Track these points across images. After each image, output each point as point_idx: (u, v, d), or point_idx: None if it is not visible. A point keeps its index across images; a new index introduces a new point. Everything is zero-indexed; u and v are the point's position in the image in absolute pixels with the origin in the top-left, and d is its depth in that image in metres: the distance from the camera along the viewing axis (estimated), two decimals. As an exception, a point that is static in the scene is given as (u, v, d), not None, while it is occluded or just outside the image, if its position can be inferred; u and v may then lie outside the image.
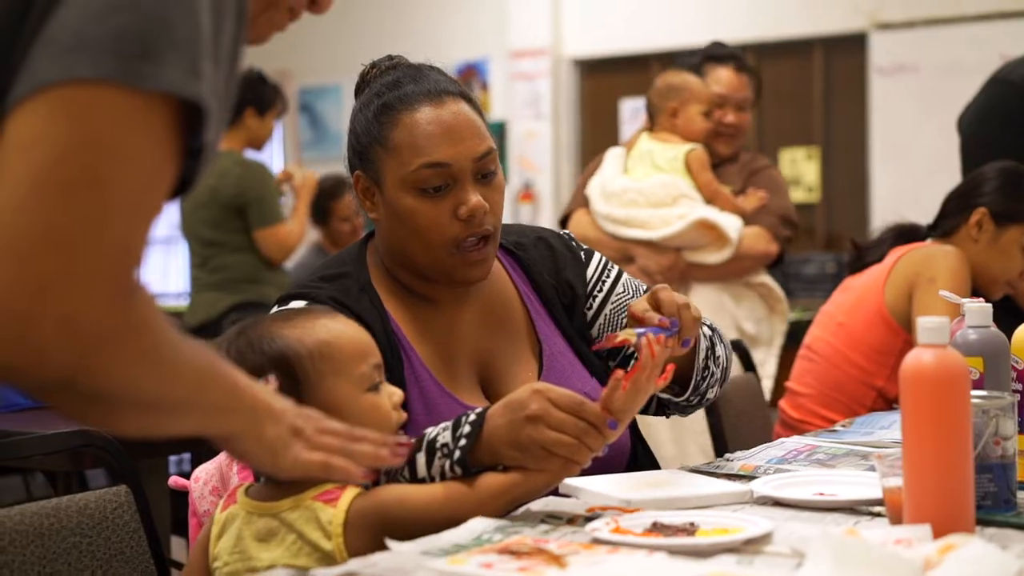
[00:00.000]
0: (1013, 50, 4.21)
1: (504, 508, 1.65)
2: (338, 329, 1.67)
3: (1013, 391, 1.86)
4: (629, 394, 1.67)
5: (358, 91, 2.03)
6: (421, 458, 1.69)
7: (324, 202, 6.00)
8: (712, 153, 4.02)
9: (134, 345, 1.12)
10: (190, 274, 5.37)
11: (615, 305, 2.12)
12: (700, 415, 3.18)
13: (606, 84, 8.49)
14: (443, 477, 1.68)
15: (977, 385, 1.80)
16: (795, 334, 3.94)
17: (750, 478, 1.92)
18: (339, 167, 6.70)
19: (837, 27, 7.61)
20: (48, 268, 1.05)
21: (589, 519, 1.63)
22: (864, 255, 3.30)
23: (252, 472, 1.81)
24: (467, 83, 8.96)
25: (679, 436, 3.77)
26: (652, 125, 4.05)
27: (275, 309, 1.90)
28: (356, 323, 1.73)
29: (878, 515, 1.66)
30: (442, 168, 1.90)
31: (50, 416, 2.69)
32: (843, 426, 2.49)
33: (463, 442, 1.67)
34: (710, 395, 2.09)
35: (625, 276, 2.17)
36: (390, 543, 1.49)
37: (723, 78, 4.09)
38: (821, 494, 1.77)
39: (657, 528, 1.55)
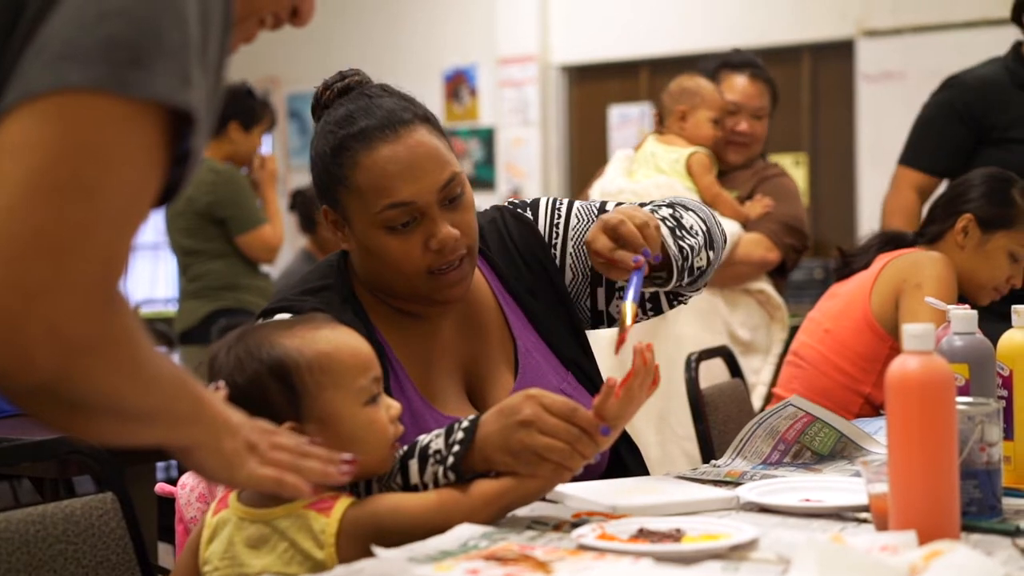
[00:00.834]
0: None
1: (496, 515, 1.65)
2: (339, 340, 1.66)
3: (998, 397, 1.87)
4: (622, 401, 1.66)
5: (314, 112, 2.00)
6: (414, 465, 1.68)
7: (311, 210, 6.00)
8: (722, 160, 4.00)
9: (116, 353, 1.12)
10: (177, 282, 5.40)
11: (575, 240, 2.11)
12: (687, 420, 3.18)
13: (594, 90, 8.50)
14: (436, 484, 1.67)
15: (963, 391, 1.81)
16: (789, 342, 3.93)
17: (736, 484, 1.92)
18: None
19: (825, 34, 7.64)
20: (37, 272, 1.05)
21: (575, 525, 1.63)
22: (851, 262, 3.31)
23: None
24: (455, 90, 8.98)
25: (664, 440, 3.77)
26: (661, 127, 4.03)
27: (260, 321, 1.88)
28: (357, 334, 1.71)
29: (864, 521, 1.67)
30: (407, 206, 1.88)
31: (36, 423, 2.68)
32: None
33: (456, 448, 1.66)
34: (700, 262, 2.04)
35: (576, 205, 2.15)
36: (376, 549, 1.49)
37: (738, 86, 4.05)
38: (807, 500, 1.77)
39: (643, 534, 1.56)
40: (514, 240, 2.11)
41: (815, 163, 7.81)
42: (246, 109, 5.11)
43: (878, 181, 7.37)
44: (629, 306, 1.84)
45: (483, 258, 2.09)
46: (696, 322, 3.81)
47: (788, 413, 2.08)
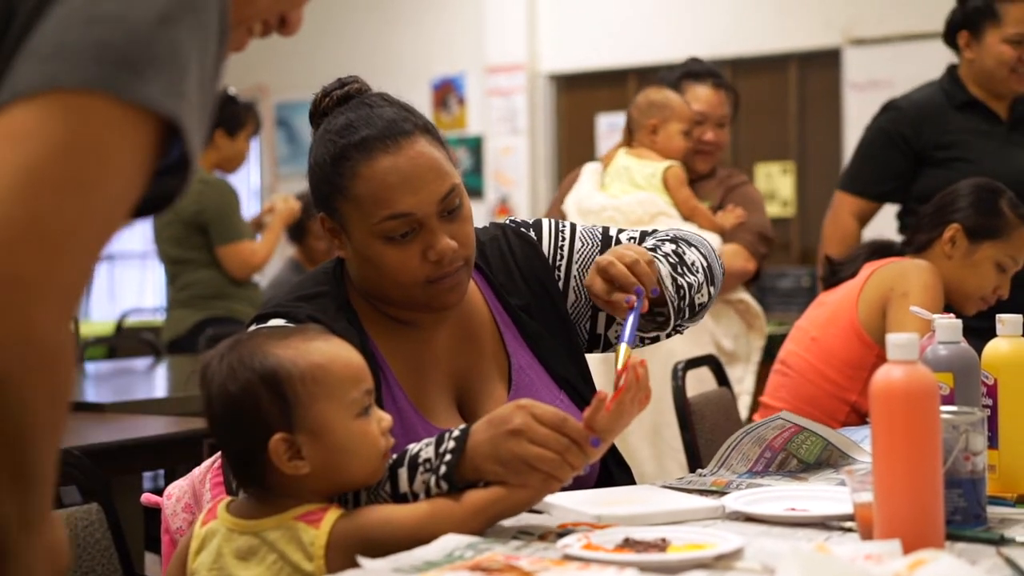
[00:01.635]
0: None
1: (485, 525, 1.65)
2: (332, 352, 1.65)
3: (983, 406, 1.87)
4: (613, 415, 1.66)
5: (312, 119, 2.00)
6: (403, 473, 1.68)
7: (300, 220, 6.00)
8: (690, 170, 4.02)
9: (65, 370, 1.10)
10: (166, 291, 5.40)
11: (580, 263, 2.12)
12: (677, 431, 3.18)
13: (582, 99, 8.52)
14: (427, 493, 1.67)
15: (947, 401, 1.81)
16: (770, 348, 3.95)
17: (722, 493, 1.92)
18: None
19: (811, 43, 7.66)
20: (28, 263, 1.03)
21: (561, 535, 1.63)
22: (838, 270, 3.32)
23: (227, 488, 1.81)
24: (444, 98, 8.98)
25: (659, 454, 3.78)
26: (631, 140, 4.05)
27: (253, 327, 1.88)
28: (350, 345, 1.71)
29: (849, 530, 1.67)
30: (406, 217, 1.88)
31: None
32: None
33: (448, 457, 1.66)
34: (701, 299, 2.08)
35: (580, 229, 2.16)
36: (361, 560, 1.49)
37: (702, 95, 4.09)
38: (793, 509, 1.78)
39: (629, 544, 1.56)
40: (516, 258, 2.11)
41: (803, 171, 7.83)
42: (230, 115, 5.12)
43: (865, 189, 7.43)
44: (623, 349, 1.86)
45: (481, 275, 2.09)
46: (685, 336, 3.81)
47: (776, 424, 2.09)
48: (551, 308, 2.09)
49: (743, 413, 3.74)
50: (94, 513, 1.89)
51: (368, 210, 1.88)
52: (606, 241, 2.15)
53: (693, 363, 3.28)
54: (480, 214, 2.33)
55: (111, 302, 10.06)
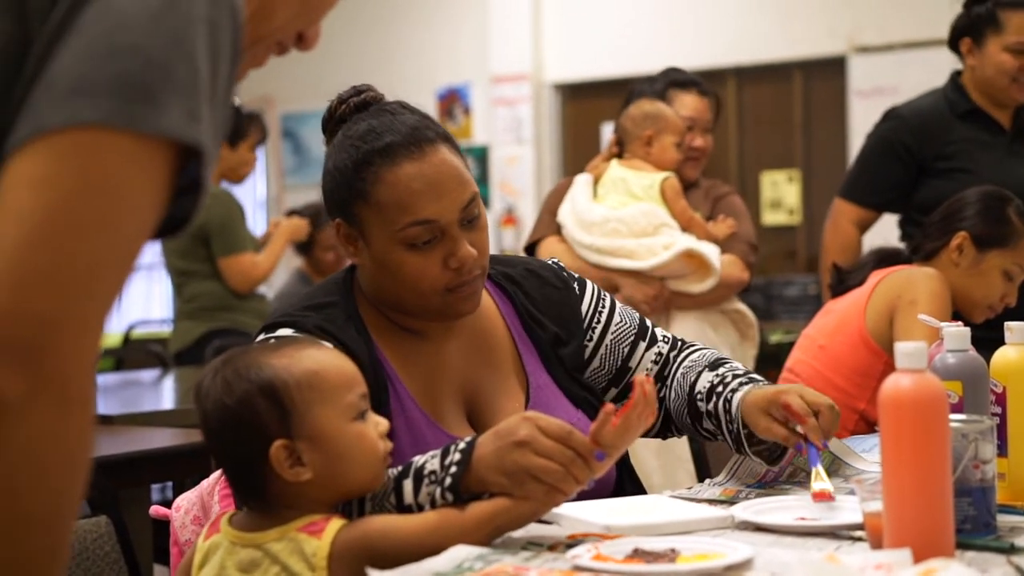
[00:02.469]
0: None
1: (489, 537, 1.64)
2: (325, 359, 1.66)
3: (992, 415, 1.87)
4: (619, 430, 1.66)
5: (326, 126, 2.00)
6: (408, 485, 1.68)
7: (306, 237, 6.02)
8: (680, 177, 4.03)
9: (85, 409, 1.11)
10: (172, 303, 5.42)
11: (615, 336, 2.14)
12: (685, 442, 3.17)
13: (587, 108, 8.53)
14: (432, 504, 1.67)
15: (956, 409, 1.81)
16: (777, 356, 3.95)
17: (731, 503, 1.92)
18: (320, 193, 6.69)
19: (816, 51, 7.67)
20: (51, 306, 1.05)
21: (570, 546, 1.63)
22: (845, 278, 3.32)
23: (235, 501, 1.81)
24: (449, 108, 8.99)
25: (667, 464, 3.77)
26: (621, 151, 4.04)
27: (261, 337, 1.89)
28: (342, 353, 1.72)
29: (859, 539, 1.67)
30: (430, 224, 1.88)
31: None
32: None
33: (454, 469, 1.66)
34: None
35: (619, 305, 2.19)
36: (371, 572, 1.48)
37: (689, 103, 4.11)
38: (803, 519, 1.77)
39: (638, 554, 1.55)
40: (552, 298, 2.12)
41: (808, 179, 7.83)
42: (231, 125, 5.13)
43: (871, 197, 7.43)
44: (821, 470, 1.90)
45: (506, 295, 2.10)
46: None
47: None
48: (572, 351, 2.10)
49: (739, 422, 3.73)
50: (103, 526, 1.89)
51: (391, 216, 1.88)
52: (642, 329, 2.18)
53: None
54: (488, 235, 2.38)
55: (118, 314, 10.04)
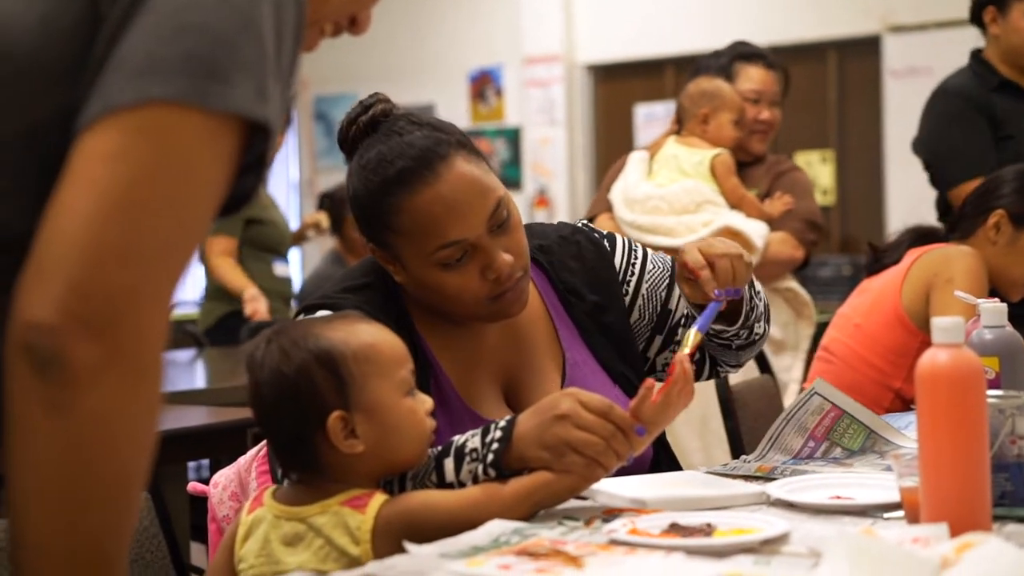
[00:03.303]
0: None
1: (529, 512, 1.65)
2: (379, 334, 1.68)
3: (1029, 390, 1.86)
4: (659, 406, 1.67)
5: (342, 147, 1.96)
6: (449, 463, 1.69)
7: (338, 211, 6.06)
8: (747, 151, 4.02)
9: (154, 380, 1.13)
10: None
11: (649, 284, 2.13)
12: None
13: (620, 89, 8.51)
14: (474, 481, 1.68)
15: (993, 384, 1.81)
16: (817, 339, 3.93)
17: (767, 479, 1.92)
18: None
19: (850, 30, 7.62)
20: (123, 280, 1.08)
21: (606, 520, 1.63)
22: (881, 257, 3.30)
23: (272, 477, 1.82)
24: (481, 90, 8.99)
25: (706, 445, 3.77)
26: (680, 129, 4.04)
27: (300, 317, 1.89)
28: (391, 333, 1.72)
29: (895, 519, 1.66)
30: (458, 244, 1.86)
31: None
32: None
33: (496, 445, 1.67)
34: (758, 329, 2.11)
35: (651, 252, 2.18)
36: (408, 545, 1.50)
37: (755, 75, 4.10)
38: (837, 497, 1.77)
39: (674, 529, 1.56)
40: (586, 261, 2.11)
41: (842, 159, 7.79)
42: None
43: (906, 177, 7.38)
44: (692, 333, 1.87)
45: (540, 269, 2.09)
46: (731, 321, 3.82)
47: (815, 406, 2.08)
48: (614, 316, 2.10)
49: (790, 401, 3.72)
50: (142, 501, 1.91)
51: (419, 242, 1.87)
52: (675, 270, 2.15)
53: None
54: (518, 205, 2.37)
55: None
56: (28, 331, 1.07)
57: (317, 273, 6.14)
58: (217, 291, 5.34)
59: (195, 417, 3.26)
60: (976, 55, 3.87)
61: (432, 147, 1.86)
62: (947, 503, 1.47)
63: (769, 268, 3.87)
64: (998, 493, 1.59)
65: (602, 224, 3.96)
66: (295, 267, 7.21)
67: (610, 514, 1.68)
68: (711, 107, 3.93)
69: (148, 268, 1.09)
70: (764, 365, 3.40)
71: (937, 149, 3.92)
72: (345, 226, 6.10)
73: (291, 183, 9.81)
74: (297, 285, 6.30)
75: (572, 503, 1.74)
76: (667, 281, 2.14)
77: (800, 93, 7.71)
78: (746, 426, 3.01)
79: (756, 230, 3.82)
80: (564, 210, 8.46)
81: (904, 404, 3.03)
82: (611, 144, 8.36)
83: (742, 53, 4.15)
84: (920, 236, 3.26)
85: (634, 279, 2.12)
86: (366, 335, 1.66)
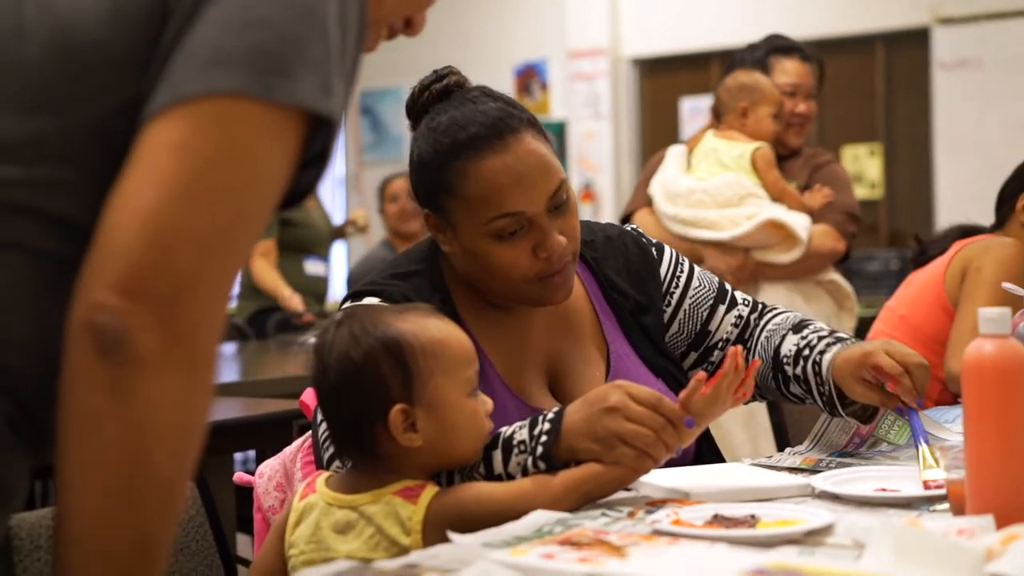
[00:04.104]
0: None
1: (578, 503, 1.66)
2: (449, 331, 1.68)
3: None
4: (708, 399, 1.67)
5: (410, 114, 1.98)
6: (498, 455, 1.70)
7: (379, 193, 6.19)
8: (783, 144, 4.01)
9: (207, 366, 1.14)
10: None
11: (693, 299, 2.12)
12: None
13: (665, 83, 8.48)
14: (523, 473, 1.68)
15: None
16: (859, 331, 3.92)
17: (812, 472, 1.91)
18: (400, 169, 6.78)
19: (899, 22, 7.56)
20: (186, 266, 1.09)
21: (650, 511, 1.63)
22: (927, 249, 3.28)
23: (317, 467, 1.83)
24: (526, 84, 8.98)
25: (753, 437, 3.76)
26: (718, 122, 4.03)
27: (346, 305, 1.89)
28: (461, 331, 1.71)
29: (940, 512, 1.65)
30: (517, 216, 1.86)
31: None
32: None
33: (544, 438, 1.67)
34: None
35: (697, 269, 2.17)
36: (452, 535, 1.50)
37: (791, 69, 4.09)
38: (882, 489, 1.76)
39: (718, 520, 1.55)
40: (631, 265, 2.11)
41: (890, 153, 7.74)
42: None
43: (955, 170, 7.33)
44: (923, 450, 1.85)
45: (585, 263, 2.09)
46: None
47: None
48: (652, 320, 2.09)
49: (833, 395, 3.71)
50: (189, 490, 1.92)
51: (477, 209, 1.87)
52: (721, 292, 2.16)
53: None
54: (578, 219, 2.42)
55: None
56: (95, 312, 1.09)
57: (367, 258, 6.16)
58: (249, 288, 5.41)
59: (240, 408, 3.28)
60: None
61: (505, 119, 1.88)
62: (993, 495, 1.45)
63: (812, 260, 3.87)
64: (1045, 485, 1.57)
65: (641, 218, 3.96)
66: (341, 257, 7.22)
67: (654, 505, 1.68)
68: (750, 101, 3.93)
69: (211, 257, 1.11)
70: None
71: None
72: (383, 202, 6.17)
73: (337, 178, 9.84)
74: (343, 275, 6.34)
75: (616, 494, 1.74)
76: (711, 301, 2.14)
77: (848, 86, 7.68)
78: (791, 419, 3.00)
79: (800, 223, 3.81)
80: (610, 204, 8.44)
81: (952, 396, 3.01)
82: (656, 138, 8.34)
83: (778, 46, 4.14)
84: (966, 231, 3.24)
85: (678, 291, 2.12)
86: (436, 330, 1.66)
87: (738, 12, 8.00)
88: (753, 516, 1.56)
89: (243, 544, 3.69)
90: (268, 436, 3.21)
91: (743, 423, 3.75)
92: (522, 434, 1.70)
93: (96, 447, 1.10)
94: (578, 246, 1.95)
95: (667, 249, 2.16)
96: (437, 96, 1.94)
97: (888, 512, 1.66)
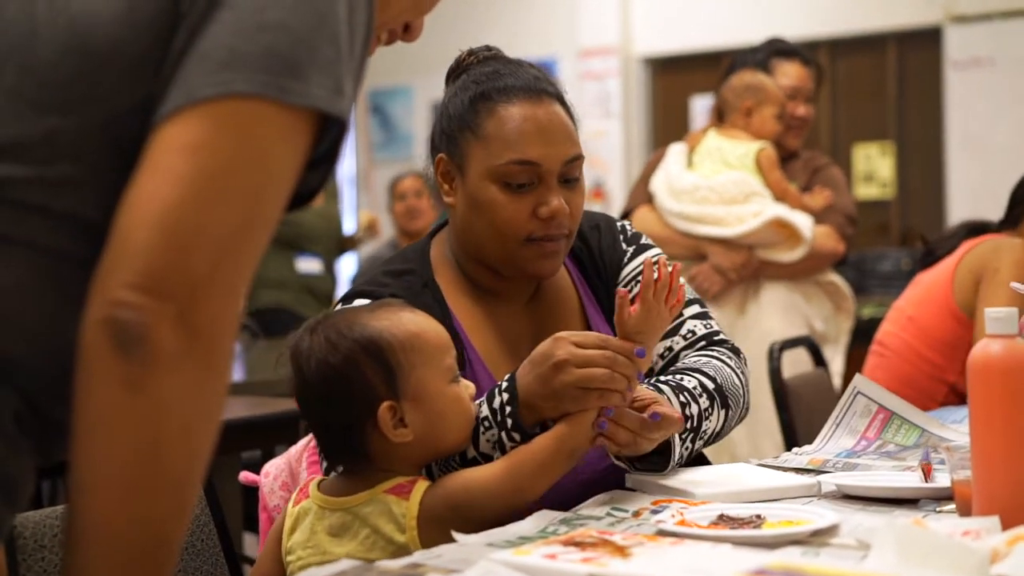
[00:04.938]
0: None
1: (568, 461, 1.67)
2: (423, 323, 1.69)
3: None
4: (641, 316, 1.72)
5: (451, 76, 2.04)
6: None
7: (389, 191, 6.20)
8: (782, 147, 4.03)
9: (223, 363, 1.15)
10: None
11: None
12: (773, 412, 3.15)
13: (676, 82, 8.47)
14: (496, 447, 1.71)
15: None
16: (869, 331, 3.92)
17: (818, 472, 1.91)
18: (409, 168, 6.78)
19: (911, 21, 7.53)
20: (199, 266, 1.10)
21: (655, 512, 1.63)
22: (935, 250, 3.27)
23: (327, 464, 1.83)
24: (537, 83, 8.98)
25: (754, 434, 3.76)
26: (720, 121, 4.04)
27: (339, 307, 1.90)
28: (434, 320, 1.74)
29: (946, 512, 1.64)
30: (531, 166, 1.90)
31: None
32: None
33: (508, 408, 1.70)
34: (708, 424, 1.94)
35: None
36: (456, 535, 1.50)
37: (791, 72, 4.14)
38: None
39: (723, 520, 1.55)
40: (602, 245, 2.10)
41: (902, 152, 7.71)
42: None
43: (967, 170, 7.30)
44: None
45: (572, 254, 2.09)
46: (779, 316, 3.84)
47: (861, 407, 2.07)
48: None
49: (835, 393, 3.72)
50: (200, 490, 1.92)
51: (496, 150, 1.91)
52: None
53: (789, 344, 3.26)
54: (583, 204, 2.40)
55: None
56: (116, 308, 1.09)
57: (373, 259, 6.17)
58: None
59: (246, 407, 3.28)
60: None
61: (543, 83, 1.96)
62: (999, 496, 1.45)
63: (813, 261, 3.91)
64: (1052, 486, 1.56)
65: (642, 215, 3.97)
66: (350, 257, 7.21)
67: (658, 505, 1.68)
68: (755, 100, 3.94)
69: (226, 257, 1.12)
70: (819, 358, 3.38)
71: None
72: (393, 200, 6.16)
73: (347, 177, 9.84)
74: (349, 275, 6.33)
75: (621, 495, 1.73)
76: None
77: (860, 85, 7.67)
78: (800, 419, 2.99)
79: (804, 222, 3.83)
80: (619, 203, 8.42)
81: (959, 398, 3.00)
82: (667, 137, 8.29)
83: (779, 49, 4.18)
84: (974, 229, 3.22)
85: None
86: (411, 324, 1.66)
87: (749, 11, 7.98)
88: (759, 516, 1.55)
89: (252, 544, 3.69)
90: (274, 435, 3.21)
91: (744, 421, 3.75)
92: (483, 410, 1.73)
93: (112, 442, 1.11)
94: (576, 226, 1.98)
95: (642, 255, 2.08)
96: (480, 61, 2.03)
97: (893, 512, 1.65)
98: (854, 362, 3.74)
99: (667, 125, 8.48)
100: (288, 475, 2.03)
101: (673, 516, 1.56)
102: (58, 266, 1.16)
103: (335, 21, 1.16)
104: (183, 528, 1.17)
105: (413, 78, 8.79)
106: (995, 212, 3.70)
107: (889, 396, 2.08)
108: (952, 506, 1.61)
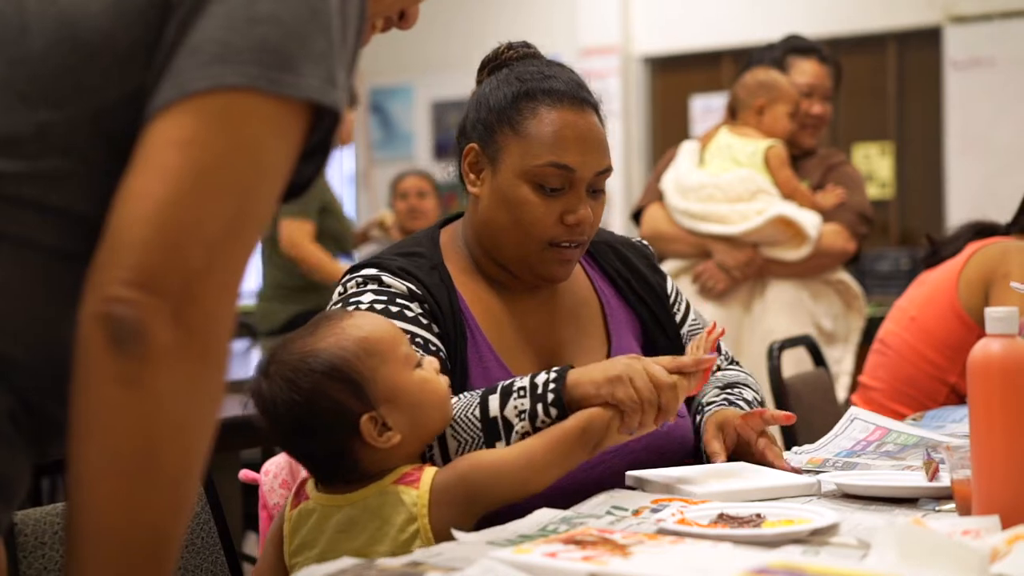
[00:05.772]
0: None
1: (584, 453, 1.69)
2: (365, 323, 1.68)
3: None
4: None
5: (485, 66, 2.06)
6: (494, 399, 1.75)
7: (391, 190, 6.19)
8: (797, 145, 4.01)
9: (218, 374, 1.14)
10: (262, 275, 5.50)
11: (690, 329, 2.16)
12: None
13: (676, 81, 8.47)
14: (531, 420, 1.72)
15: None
16: (869, 330, 3.92)
17: (818, 471, 1.91)
18: (411, 167, 6.76)
19: (911, 21, 7.54)
20: (195, 262, 1.10)
21: (655, 510, 1.63)
22: (939, 249, 3.26)
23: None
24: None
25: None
26: (733, 119, 4.03)
27: (346, 278, 1.95)
28: (423, 295, 1.78)
29: (946, 511, 1.65)
30: (566, 171, 1.93)
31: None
32: (914, 419, 2.46)
33: (553, 385, 1.73)
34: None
35: (692, 307, 2.22)
36: (456, 533, 1.50)
37: (808, 69, 4.10)
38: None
39: (723, 519, 1.55)
40: (638, 266, 2.16)
41: (902, 152, 7.71)
42: None
43: (966, 170, 7.30)
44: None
45: (595, 261, 2.13)
46: (784, 315, 3.83)
47: (859, 428, 2.09)
48: (667, 350, 2.11)
49: (842, 394, 3.72)
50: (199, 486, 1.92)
51: (535, 150, 1.93)
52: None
53: (789, 343, 3.26)
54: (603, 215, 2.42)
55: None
56: (111, 304, 1.09)
57: (372, 255, 6.19)
58: (279, 290, 5.29)
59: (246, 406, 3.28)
60: None
61: (586, 94, 1.99)
62: (999, 495, 1.45)
63: (822, 259, 3.88)
64: (1052, 486, 1.56)
65: (652, 213, 3.97)
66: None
67: (659, 504, 1.68)
68: (768, 98, 3.92)
69: (221, 251, 1.11)
70: (819, 358, 3.38)
71: None
72: (395, 199, 6.15)
73: (346, 175, 9.84)
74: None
75: (622, 493, 1.73)
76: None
77: (859, 85, 7.66)
78: (800, 419, 2.99)
79: (809, 220, 3.81)
80: (620, 202, 8.43)
81: (959, 399, 2.99)
82: (667, 136, 8.32)
83: (796, 47, 4.15)
84: (980, 230, 3.21)
85: (679, 315, 2.16)
86: (354, 330, 1.65)
87: (750, 10, 7.98)
88: (759, 515, 1.55)
89: (251, 542, 3.69)
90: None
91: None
92: (522, 382, 1.75)
93: (107, 438, 1.11)
94: (593, 235, 2.01)
95: (669, 279, 2.21)
96: (519, 56, 2.04)
97: (893, 512, 1.65)
98: (861, 361, 3.74)
99: (667, 124, 8.48)
100: (288, 473, 2.03)
101: (673, 515, 1.56)
102: (51, 262, 1.16)
103: (327, 12, 1.16)
104: (182, 525, 1.16)
105: (413, 77, 8.79)
106: (995, 212, 3.70)
107: (886, 420, 2.11)
108: (952, 505, 1.61)
